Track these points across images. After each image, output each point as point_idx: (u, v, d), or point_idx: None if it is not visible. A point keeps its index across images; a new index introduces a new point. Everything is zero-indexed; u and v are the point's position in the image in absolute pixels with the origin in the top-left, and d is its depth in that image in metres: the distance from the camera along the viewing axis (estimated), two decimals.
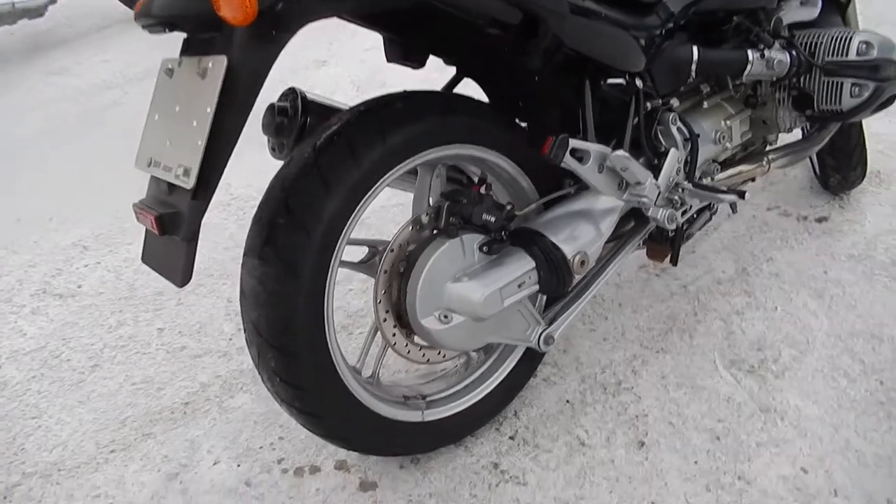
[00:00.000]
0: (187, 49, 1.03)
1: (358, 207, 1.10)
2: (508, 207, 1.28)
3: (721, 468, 1.36)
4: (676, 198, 1.42)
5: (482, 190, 1.29)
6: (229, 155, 0.94)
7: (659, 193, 1.36)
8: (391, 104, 1.15)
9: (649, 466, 1.38)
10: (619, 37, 1.26)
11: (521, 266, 1.25)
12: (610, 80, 1.31)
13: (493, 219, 1.25)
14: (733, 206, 1.49)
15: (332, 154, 1.07)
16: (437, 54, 1.31)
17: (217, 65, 0.91)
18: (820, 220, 2.15)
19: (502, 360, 1.44)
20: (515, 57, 1.18)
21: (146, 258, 1.10)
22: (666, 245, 1.55)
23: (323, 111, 1.27)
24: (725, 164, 1.65)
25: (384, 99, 1.16)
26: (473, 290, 1.20)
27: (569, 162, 1.21)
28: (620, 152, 1.26)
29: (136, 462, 1.50)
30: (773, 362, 1.61)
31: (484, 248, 1.24)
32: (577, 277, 1.32)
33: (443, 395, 1.38)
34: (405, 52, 1.27)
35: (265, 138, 1.31)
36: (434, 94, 1.28)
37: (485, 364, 1.44)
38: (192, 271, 0.99)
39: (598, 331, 1.75)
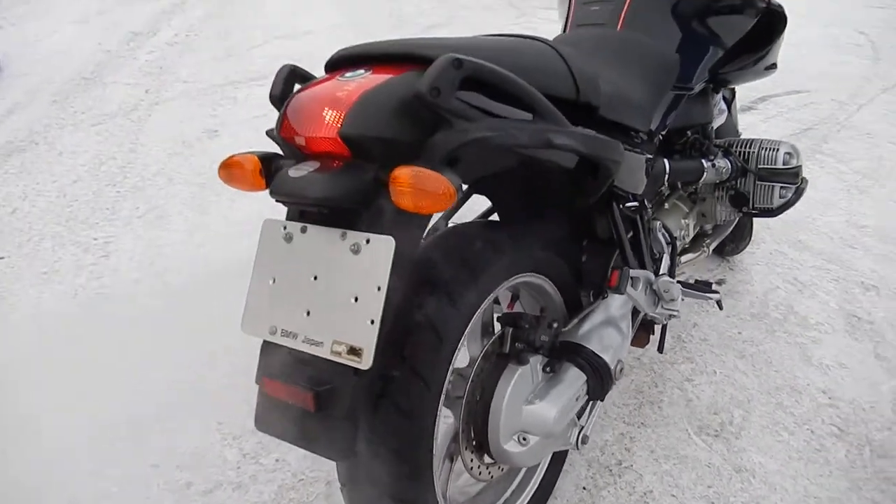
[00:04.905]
0: (303, 216, 1.01)
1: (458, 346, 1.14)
2: (554, 325, 1.38)
3: None
4: (666, 293, 1.63)
5: (515, 307, 1.38)
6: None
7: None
8: (472, 242, 1.20)
9: None
10: (640, 166, 1.43)
11: (576, 380, 1.36)
12: (628, 204, 1.47)
13: (546, 339, 1.35)
14: (720, 304, 1.72)
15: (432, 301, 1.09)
16: (478, 191, 1.40)
17: (381, 245, 0.91)
18: (720, 283, 2.50)
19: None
20: (565, 195, 1.30)
21: (266, 425, 1.04)
22: (646, 333, 1.75)
23: None
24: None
25: (460, 236, 1.22)
26: (548, 411, 1.29)
27: (629, 291, 1.35)
28: (666, 278, 1.42)
29: None
30: (730, 424, 1.87)
31: (547, 369, 1.33)
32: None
33: None
34: None
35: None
36: (501, 225, 1.34)
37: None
38: (355, 446, 0.98)
39: None
